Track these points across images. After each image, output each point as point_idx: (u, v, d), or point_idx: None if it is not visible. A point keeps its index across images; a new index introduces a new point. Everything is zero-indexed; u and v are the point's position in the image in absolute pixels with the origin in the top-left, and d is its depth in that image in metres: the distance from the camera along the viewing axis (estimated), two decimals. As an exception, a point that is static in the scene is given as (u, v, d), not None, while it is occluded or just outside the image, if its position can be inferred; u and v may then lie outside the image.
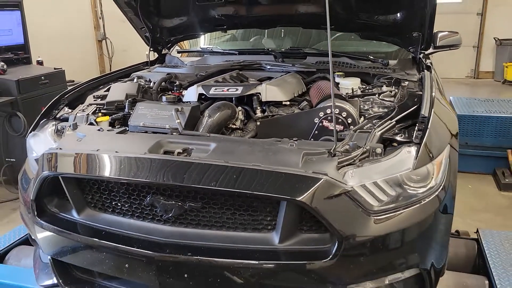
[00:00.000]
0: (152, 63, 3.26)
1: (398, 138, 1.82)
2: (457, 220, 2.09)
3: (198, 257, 1.59)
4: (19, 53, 4.83)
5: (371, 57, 2.81)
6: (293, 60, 2.92)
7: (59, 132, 2.14)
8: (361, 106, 2.23)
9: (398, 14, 2.57)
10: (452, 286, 2.30)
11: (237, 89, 2.22)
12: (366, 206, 1.60)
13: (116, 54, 7.06)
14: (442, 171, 1.80)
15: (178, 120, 1.99)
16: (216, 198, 1.65)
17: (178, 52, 3.44)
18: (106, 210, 1.84)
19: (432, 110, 1.92)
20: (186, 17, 2.98)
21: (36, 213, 1.87)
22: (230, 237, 1.66)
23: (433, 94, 2.10)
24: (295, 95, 2.38)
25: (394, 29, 2.68)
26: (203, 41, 3.69)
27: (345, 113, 1.99)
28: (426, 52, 3.07)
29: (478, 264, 2.53)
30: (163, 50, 3.29)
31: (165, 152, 1.79)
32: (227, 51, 3.19)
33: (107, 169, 1.72)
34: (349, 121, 1.99)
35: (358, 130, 1.85)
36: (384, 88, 2.37)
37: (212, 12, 2.90)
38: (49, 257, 1.94)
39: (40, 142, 2.10)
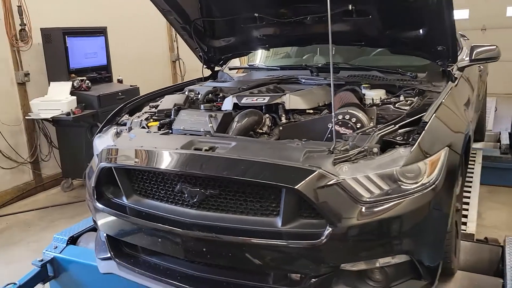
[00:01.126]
0: (206, 78, 3.70)
1: (397, 140, 2.03)
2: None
3: (215, 234, 1.93)
4: (102, 73, 5.58)
5: (400, 70, 3.01)
6: (328, 74, 3.20)
7: (118, 134, 2.60)
8: (379, 114, 2.46)
9: (421, 30, 2.76)
10: (466, 285, 2.41)
11: (264, 99, 2.55)
12: (356, 196, 1.85)
13: (188, 73, 7.73)
14: (438, 171, 1.98)
15: (211, 124, 2.37)
16: (231, 186, 1.98)
17: (230, 69, 3.85)
18: (148, 196, 2.24)
19: (433, 115, 2.12)
20: (233, 38, 3.38)
21: (95, 197, 2.33)
22: (242, 220, 1.98)
23: (442, 101, 2.28)
24: (320, 104, 2.65)
25: (419, 44, 2.86)
26: (259, 58, 4.08)
27: (354, 118, 2.24)
28: (461, 65, 3.21)
29: (500, 269, 2.59)
30: (215, 67, 3.72)
31: (195, 149, 2.16)
32: (270, 67, 3.54)
33: (147, 161, 2.13)
34: (358, 126, 2.23)
35: (361, 133, 2.09)
36: (401, 98, 2.57)
37: (255, 33, 3.26)
38: (105, 234, 2.39)
39: (103, 143, 2.57)
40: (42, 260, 2.98)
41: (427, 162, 1.95)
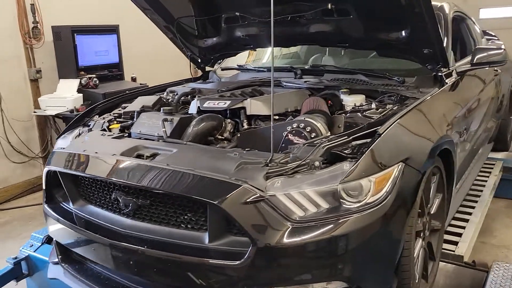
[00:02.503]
0: (196, 79, 3.61)
1: (345, 153, 1.84)
2: None
3: (141, 248, 1.83)
4: (113, 71, 5.60)
5: (387, 74, 2.78)
6: (312, 77, 3.03)
7: (79, 136, 2.55)
8: (347, 122, 2.27)
9: (403, 32, 2.53)
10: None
11: (225, 103, 2.41)
12: (286, 214, 1.68)
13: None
14: (387, 189, 1.78)
15: (164, 129, 2.26)
16: (160, 197, 1.87)
17: (223, 69, 3.73)
18: (91, 202, 2.17)
19: (390, 127, 1.91)
20: (217, 38, 3.26)
21: (45, 200, 2.28)
22: (173, 233, 1.86)
23: (407, 111, 2.08)
24: (289, 110, 2.48)
25: (404, 47, 2.62)
26: (266, 57, 3.93)
27: (309, 127, 2.06)
28: (461, 69, 2.94)
29: (481, 298, 2.34)
30: (206, 67, 3.61)
31: (137, 156, 2.06)
32: (258, 68, 3.39)
33: (82, 166, 2.06)
34: (312, 136, 2.05)
35: (307, 144, 1.92)
36: (373, 105, 2.36)
37: (237, 33, 3.13)
38: (54, 238, 2.35)
39: (64, 143, 2.54)
40: (16, 258, 2.99)
41: (372, 180, 1.75)
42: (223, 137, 2.36)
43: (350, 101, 2.54)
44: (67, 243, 2.21)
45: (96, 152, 2.08)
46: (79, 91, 5.00)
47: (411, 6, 2.26)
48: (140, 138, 2.32)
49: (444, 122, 2.36)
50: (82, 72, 5.19)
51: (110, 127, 2.55)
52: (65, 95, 4.91)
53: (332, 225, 1.68)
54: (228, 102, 2.41)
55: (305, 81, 2.88)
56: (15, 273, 3.00)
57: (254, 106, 2.37)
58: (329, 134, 2.09)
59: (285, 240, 1.65)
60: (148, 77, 5.90)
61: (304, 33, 2.86)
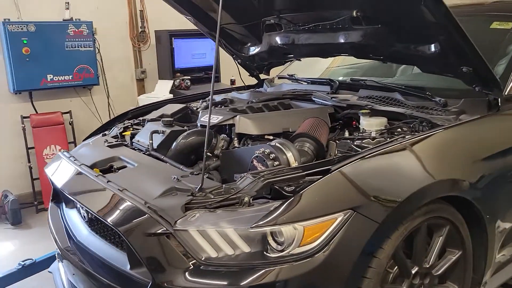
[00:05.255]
0: (252, 87, 3.52)
1: (285, 190, 1.57)
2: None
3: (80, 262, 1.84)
4: (210, 73, 5.80)
5: (428, 94, 2.30)
6: (348, 91, 2.69)
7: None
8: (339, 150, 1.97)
9: (432, 46, 2.05)
10: None
11: (217, 118, 2.28)
12: (194, 253, 1.50)
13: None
14: (323, 241, 1.46)
15: (151, 141, 2.24)
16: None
17: (279, 78, 3.56)
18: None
19: (349, 164, 1.57)
20: (259, 46, 3.09)
21: (51, 199, 2.45)
22: (111, 253, 1.81)
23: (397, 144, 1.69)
24: (290, 130, 2.23)
25: (439, 62, 2.13)
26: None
27: (273, 155, 1.82)
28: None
29: None
30: (260, 75, 3.49)
31: (110, 167, 2.08)
32: (300, 79, 3.13)
33: (56, 173, 2.15)
34: (275, 164, 1.80)
35: (251, 174, 1.68)
36: (373, 134, 1.98)
37: (276, 42, 2.92)
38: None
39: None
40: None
41: (299, 227, 1.45)
42: (212, 154, 2.24)
43: (365, 124, 2.18)
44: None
45: (75, 160, 2.16)
46: (171, 91, 5.29)
47: (429, 17, 1.83)
48: (133, 148, 2.35)
49: (466, 161, 1.85)
50: (178, 74, 5.48)
51: (122, 133, 2.61)
52: (159, 95, 5.23)
53: (240, 274, 1.44)
54: (220, 118, 2.27)
55: (332, 98, 2.56)
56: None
57: (242, 124, 2.19)
58: (296, 164, 1.81)
59: (182, 281, 1.47)
60: (248, 80, 5.95)
61: (336, 43, 2.53)
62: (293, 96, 2.80)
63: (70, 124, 5.04)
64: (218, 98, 3.06)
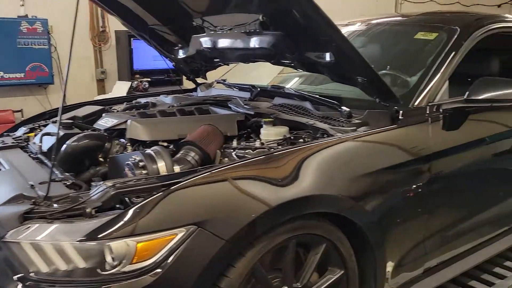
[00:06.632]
0: (189, 91, 3.43)
1: (133, 201, 1.47)
2: None
3: None
4: (171, 76, 5.69)
5: (337, 104, 2.19)
6: (266, 99, 2.59)
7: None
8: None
9: (327, 55, 1.96)
10: None
11: (112, 122, 2.18)
12: (23, 268, 1.39)
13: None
14: (159, 259, 1.36)
15: (40, 144, 2.14)
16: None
17: (218, 83, 3.46)
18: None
19: (198, 177, 1.47)
20: (187, 49, 3.00)
21: None
22: None
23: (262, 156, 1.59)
24: (182, 137, 2.12)
25: (339, 71, 2.04)
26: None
27: (142, 163, 1.71)
28: (449, 107, 2.19)
29: None
30: (196, 78, 3.39)
31: None
32: (232, 85, 3.03)
33: None
34: (143, 173, 1.70)
35: (108, 183, 1.57)
36: (257, 144, 1.89)
37: (201, 45, 2.82)
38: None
39: None
40: None
41: (130, 243, 1.35)
42: (105, 160, 2.13)
43: (263, 134, 2.08)
44: None
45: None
46: (129, 93, 5.19)
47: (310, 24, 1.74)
48: (27, 151, 2.25)
49: (346, 177, 1.74)
50: (137, 76, 5.39)
51: (25, 134, 2.52)
52: (115, 96, 5.14)
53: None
54: (114, 121, 2.17)
55: (245, 105, 2.46)
56: None
57: (133, 129, 2.08)
58: (165, 173, 1.71)
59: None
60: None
61: (251, 48, 2.43)
62: (214, 101, 2.71)
63: (21, 122, 4.95)
64: (143, 101, 2.97)
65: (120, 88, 5.26)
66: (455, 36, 2.34)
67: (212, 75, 3.43)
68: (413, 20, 2.83)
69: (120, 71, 5.51)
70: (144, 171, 1.69)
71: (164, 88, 5.47)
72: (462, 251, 2.37)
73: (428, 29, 2.53)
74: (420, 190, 1.94)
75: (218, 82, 3.31)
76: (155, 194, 1.43)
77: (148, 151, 1.77)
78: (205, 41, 2.72)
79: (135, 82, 5.26)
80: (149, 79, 5.37)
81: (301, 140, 1.97)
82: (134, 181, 1.55)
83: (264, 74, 3.40)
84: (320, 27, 1.77)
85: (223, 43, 2.57)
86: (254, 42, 2.33)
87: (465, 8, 8.59)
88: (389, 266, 1.92)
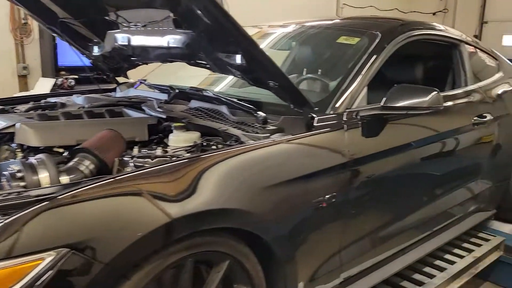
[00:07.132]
0: (109, 90, 3.21)
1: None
2: None
3: None
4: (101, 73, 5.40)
5: (252, 109, 2.08)
6: (183, 101, 2.44)
7: None
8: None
9: (237, 57, 1.84)
10: None
11: (6, 124, 1.95)
12: None
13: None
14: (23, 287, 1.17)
15: None
16: None
17: (141, 83, 3.25)
18: None
19: (81, 189, 1.30)
20: (103, 46, 2.79)
21: None
22: None
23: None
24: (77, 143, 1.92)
25: (251, 74, 1.93)
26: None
27: (20, 173, 1.51)
28: (368, 113, 2.12)
29: None
30: (117, 77, 3.18)
31: None
32: (154, 85, 2.85)
33: None
34: (21, 185, 1.49)
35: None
36: (158, 152, 1.73)
37: (115, 41, 2.62)
38: None
39: None
40: None
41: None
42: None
43: (172, 140, 1.93)
44: None
45: None
46: (53, 91, 4.85)
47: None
48: None
49: (250, 189, 1.61)
50: (63, 72, 5.05)
51: None
52: (27, 95, 4.79)
53: None
54: (2, 124, 1.94)
55: (159, 107, 2.30)
56: None
57: (22, 133, 1.86)
58: (47, 185, 1.51)
59: None
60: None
61: (166, 47, 2.26)
62: (129, 103, 2.52)
63: None
64: (53, 100, 2.73)
65: (44, 85, 4.90)
66: (376, 42, 2.30)
67: (141, 74, 3.24)
68: (339, 24, 2.78)
69: (44, 67, 5.13)
70: (22, 183, 1.49)
71: (93, 86, 5.19)
72: (384, 257, 2.33)
73: (350, 34, 2.48)
74: (334, 200, 1.86)
75: (141, 82, 3.13)
76: (23, 212, 1.24)
77: (31, 159, 1.57)
78: (120, 38, 2.52)
79: (60, 79, 4.92)
80: (76, 77, 5.03)
81: (214, 146, 1.84)
82: (4, 196, 1.34)
83: (197, 74, 3.24)
84: (225, 27, 1.64)
85: (138, 40, 2.39)
86: (168, 41, 2.18)
87: (402, 15, 8.82)
88: (301, 281, 1.83)
